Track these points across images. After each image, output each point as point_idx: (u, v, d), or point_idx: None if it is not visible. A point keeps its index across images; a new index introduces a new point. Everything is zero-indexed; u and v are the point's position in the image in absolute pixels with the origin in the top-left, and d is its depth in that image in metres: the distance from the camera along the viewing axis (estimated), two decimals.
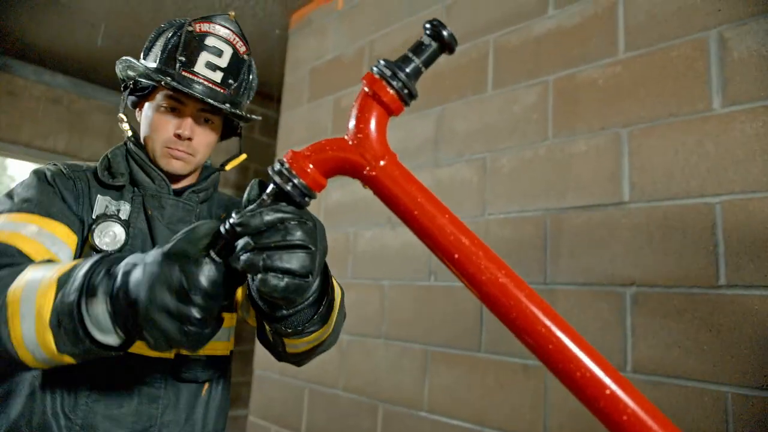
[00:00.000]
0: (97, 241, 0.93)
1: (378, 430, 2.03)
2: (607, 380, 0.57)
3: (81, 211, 0.96)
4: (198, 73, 0.99)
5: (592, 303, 1.49)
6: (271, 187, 0.65)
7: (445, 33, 0.66)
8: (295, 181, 0.63)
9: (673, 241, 1.37)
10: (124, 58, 1.03)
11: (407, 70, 0.66)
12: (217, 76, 1.01)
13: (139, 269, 0.63)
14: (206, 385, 1.01)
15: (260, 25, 3.16)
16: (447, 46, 0.67)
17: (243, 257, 0.60)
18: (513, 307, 0.62)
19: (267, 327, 0.86)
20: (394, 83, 0.66)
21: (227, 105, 1.01)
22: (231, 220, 0.63)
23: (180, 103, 1.01)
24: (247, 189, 0.67)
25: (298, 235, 0.61)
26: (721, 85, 1.35)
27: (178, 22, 1.04)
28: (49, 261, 0.80)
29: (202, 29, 1.00)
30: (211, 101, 0.98)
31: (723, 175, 1.31)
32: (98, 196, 0.99)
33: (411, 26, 2.28)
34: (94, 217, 0.96)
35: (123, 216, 0.99)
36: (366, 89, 0.67)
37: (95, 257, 0.69)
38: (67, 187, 0.96)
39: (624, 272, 1.45)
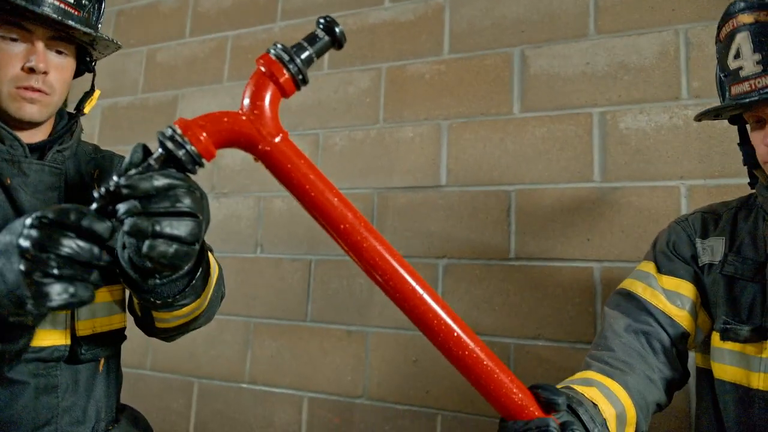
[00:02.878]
0: None
1: (193, 407, 1.96)
2: (455, 326, 0.71)
3: None
4: None
5: None
6: (159, 151, 0.62)
7: (337, 30, 0.71)
8: (188, 147, 0.62)
9: (478, 220, 1.63)
10: None
11: (302, 56, 0.70)
12: None
13: None
14: (102, 360, 0.92)
15: None
16: (337, 41, 0.72)
17: (128, 221, 0.57)
18: (388, 271, 0.70)
19: (135, 299, 0.81)
20: (291, 67, 0.69)
21: (88, 29, 0.86)
22: (113, 183, 0.59)
23: (24, 30, 0.83)
24: (130, 152, 0.62)
25: (186, 203, 0.61)
26: (520, 93, 1.64)
27: None
28: None
29: None
30: (76, 24, 0.82)
31: (517, 168, 1.61)
32: None
33: None
34: None
35: None
36: (263, 69, 0.69)
37: None
38: None
39: (438, 247, 1.67)
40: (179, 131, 0.63)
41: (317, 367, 1.79)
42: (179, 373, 2.01)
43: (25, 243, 0.54)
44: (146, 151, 0.64)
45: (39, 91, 0.85)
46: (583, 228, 1.51)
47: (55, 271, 0.53)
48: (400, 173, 1.76)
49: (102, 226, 0.56)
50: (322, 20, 0.72)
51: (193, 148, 0.63)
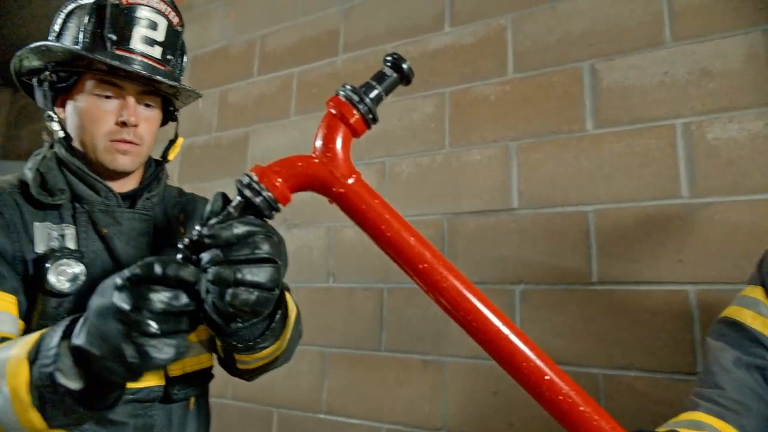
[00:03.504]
0: (55, 285, 0.80)
1: None
2: (546, 368, 0.66)
3: (18, 249, 0.81)
4: (135, 49, 0.88)
5: None
6: (237, 199, 0.64)
7: (404, 66, 0.71)
8: (265, 194, 0.64)
9: (554, 243, 1.56)
10: (36, 43, 0.87)
11: (371, 96, 0.70)
12: (157, 52, 0.91)
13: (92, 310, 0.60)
14: (193, 399, 0.96)
15: None
16: (405, 77, 0.72)
17: (212, 270, 0.59)
18: (471, 311, 0.67)
19: (218, 342, 0.83)
20: (360, 107, 0.69)
21: (174, 83, 0.92)
22: (196, 233, 0.61)
23: (117, 87, 0.89)
24: (211, 201, 0.64)
25: (266, 249, 0.61)
26: (593, 109, 1.57)
27: None
28: (3, 339, 0.71)
29: (130, 0, 0.88)
30: (163, 78, 0.88)
31: (595, 187, 1.53)
32: (35, 223, 0.84)
33: (306, 26, 2.26)
34: (39, 252, 0.82)
35: (70, 242, 0.85)
36: (333, 111, 0.69)
37: (64, 322, 0.63)
38: None
39: (513, 272, 1.61)
40: (256, 178, 0.64)
41: (394, 397, 1.76)
42: (259, 403, 2.04)
43: (119, 305, 0.55)
44: (225, 199, 0.66)
45: (130, 142, 0.91)
46: (673, 248, 1.40)
47: (153, 329, 0.54)
48: (469, 197, 1.73)
49: (188, 272, 0.57)
50: (389, 57, 0.71)
51: (269, 194, 0.64)
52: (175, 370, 0.91)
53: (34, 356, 0.61)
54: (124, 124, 0.89)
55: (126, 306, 0.55)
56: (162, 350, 0.55)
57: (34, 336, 0.64)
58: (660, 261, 1.42)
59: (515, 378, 0.66)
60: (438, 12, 1.91)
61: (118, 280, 0.57)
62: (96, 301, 0.59)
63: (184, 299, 0.57)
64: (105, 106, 0.89)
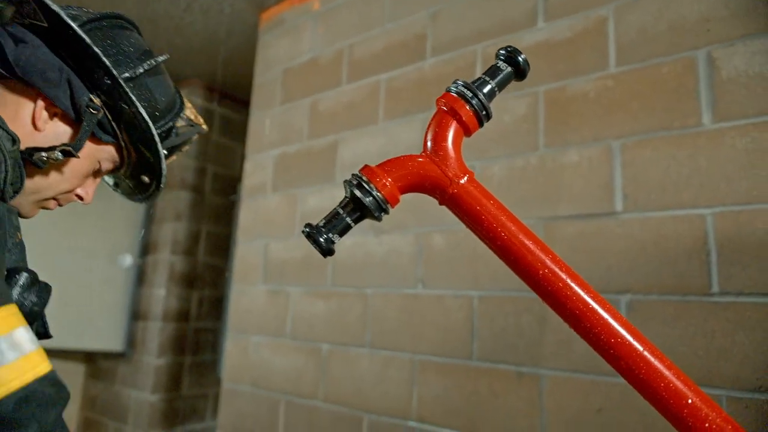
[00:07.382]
0: None
1: None
2: (688, 390, 0.59)
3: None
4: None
5: None
6: (346, 199, 0.63)
7: (519, 59, 0.67)
8: (375, 194, 0.62)
9: (666, 250, 1.43)
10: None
11: (484, 91, 0.66)
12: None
13: None
14: None
15: (226, 23, 3.04)
16: (520, 71, 0.68)
17: None
18: (598, 323, 0.61)
19: None
20: (474, 102, 0.66)
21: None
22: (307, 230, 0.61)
23: (112, 170, 0.83)
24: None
25: None
26: (710, 102, 1.42)
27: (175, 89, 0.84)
28: None
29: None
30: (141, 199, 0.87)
31: (714, 188, 1.38)
32: None
33: (393, 33, 2.26)
34: None
35: None
36: (444, 107, 0.67)
37: None
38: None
39: (619, 280, 1.50)
40: (365, 178, 0.63)
41: (488, 409, 1.69)
42: (349, 407, 2.06)
43: None
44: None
45: (59, 205, 0.82)
46: None
47: None
48: (567, 201, 1.63)
49: None
50: (502, 51, 0.68)
51: (379, 194, 0.63)
52: None
53: None
54: (79, 196, 0.82)
55: None
56: None
57: None
58: None
59: (652, 402, 0.59)
60: (530, 8, 1.84)
61: None
62: None
63: None
64: (90, 174, 0.80)
